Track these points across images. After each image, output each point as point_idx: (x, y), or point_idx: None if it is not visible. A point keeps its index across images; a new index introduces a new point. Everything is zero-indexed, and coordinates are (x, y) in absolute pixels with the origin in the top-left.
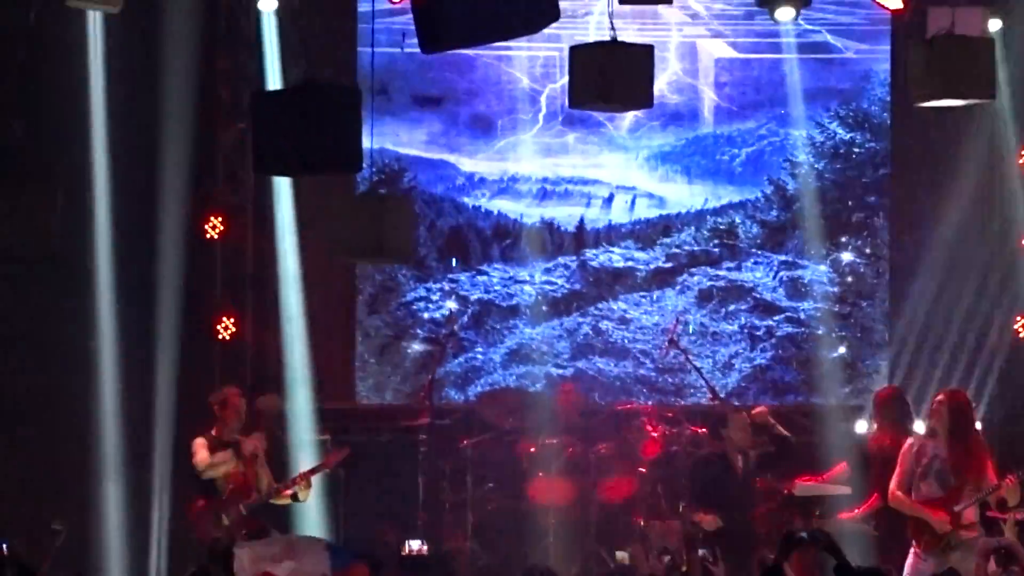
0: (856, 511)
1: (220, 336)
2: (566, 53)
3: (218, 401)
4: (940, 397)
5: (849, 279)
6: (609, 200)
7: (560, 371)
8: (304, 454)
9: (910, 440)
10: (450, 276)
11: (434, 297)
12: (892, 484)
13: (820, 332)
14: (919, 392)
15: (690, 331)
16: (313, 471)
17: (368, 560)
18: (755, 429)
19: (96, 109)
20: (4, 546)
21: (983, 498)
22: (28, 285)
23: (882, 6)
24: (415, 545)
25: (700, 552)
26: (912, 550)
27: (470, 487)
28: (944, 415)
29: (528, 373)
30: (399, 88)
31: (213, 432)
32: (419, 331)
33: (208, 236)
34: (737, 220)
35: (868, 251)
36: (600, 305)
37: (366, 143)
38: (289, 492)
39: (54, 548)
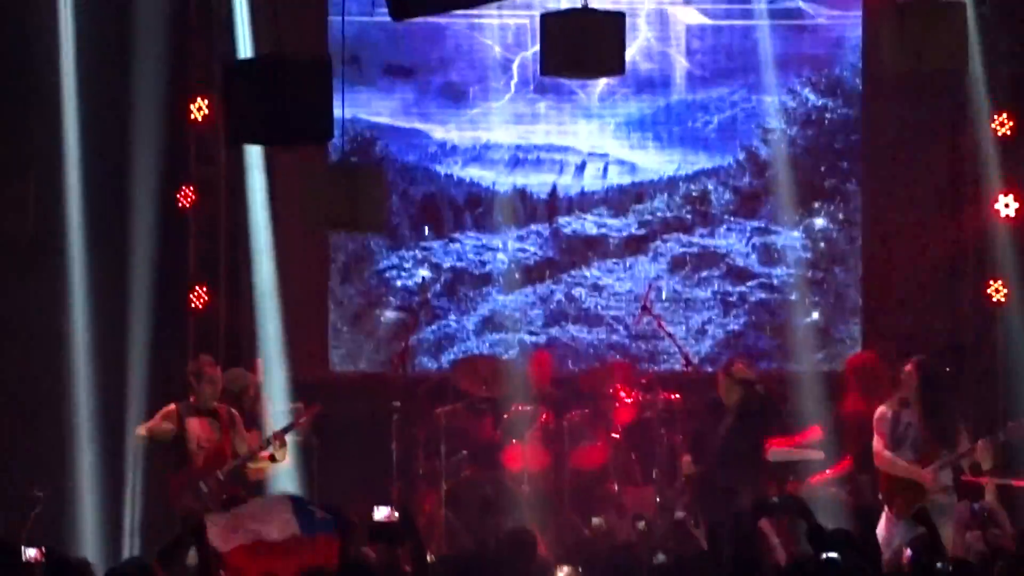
0: (827, 473)
1: (193, 307)
2: (537, 21)
3: (193, 372)
4: (908, 367)
5: (822, 245)
6: (581, 167)
7: (533, 338)
8: (278, 421)
9: (882, 408)
10: (423, 244)
11: (407, 265)
12: (877, 446)
13: (793, 298)
14: (893, 357)
15: (663, 298)
16: (286, 430)
17: (339, 527)
18: (733, 384)
19: (67, 86)
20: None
21: (955, 462)
22: (3, 264)
23: None
24: (384, 512)
25: (679, 515)
26: (884, 514)
27: (443, 455)
28: (913, 384)
29: (501, 340)
30: (370, 58)
31: (191, 399)
32: (392, 299)
33: (181, 207)
34: (710, 187)
35: (841, 217)
36: (573, 272)
37: (337, 113)
38: (266, 454)
39: (32, 515)
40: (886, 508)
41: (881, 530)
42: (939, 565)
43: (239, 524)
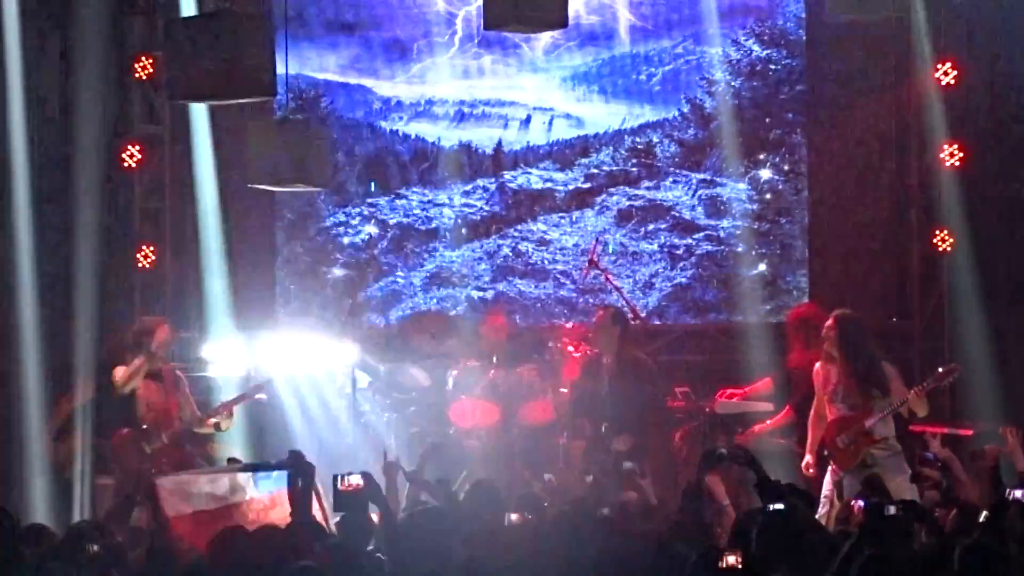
0: (768, 423)
1: (140, 266)
2: None
3: (145, 331)
4: (829, 322)
5: (768, 196)
6: (527, 121)
7: (480, 293)
8: (227, 384)
9: (816, 366)
10: (369, 201)
11: (353, 222)
12: (812, 411)
13: (740, 250)
14: (840, 307)
15: (610, 251)
16: (236, 401)
17: (291, 481)
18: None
19: (10, 41)
20: None
21: (892, 411)
22: None
23: None
24: (354, 480)
25: (627, 466)
26: (829, 468)
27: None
28: (835, 339)
29: (449, 296)
30: (313, 14)
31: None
32: (339, 256)
33: (126, 166)
34: (655, 139)
35: (786, 168)
36: (520, 227)
37: (281, 69)
38: (212, 422)
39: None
40: (831, 463)
41: (827, 483)
42: (891, 509)
43: (190, 487)
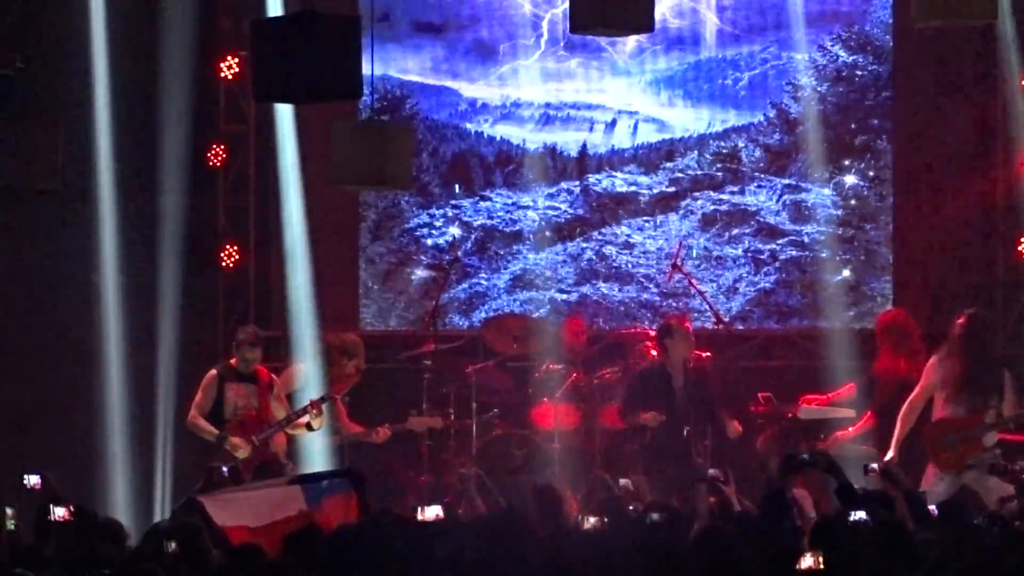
0: (850, 429)
1: (224, 265)
2: None
3: (247, 340)
4: (960, 320)
5: (853, 202)
6: (612, 125)
7: (564, 296)
8: (312, 384)
9: (933, 359)
10: (453, 202)
11: (437, 223)
12: (907, 404)
13: (824, 256)
14: (924, 314)
15: (694, 255)
16: (323, 399)
17: (352, 484)
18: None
19: (97, 40)
20: (41, 479)
21: (1008, 424)
22: (31, 219)
23: None
24: (432, 512)
25: (711, 472)
26: (929, 469)
27: (474, 413)
28: (961, 338)
29: (532, 299)
30: (400, 15)
31: (232, 362)
32: (423, 257)
33: (211, 165)
34: (740, 144)
35: (871, 174)
36: (604, 230)
37: (367, 70)
38: (303, 421)
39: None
40: (931, 464)
41: (927, 485)
42: (977, 520)
43: (236, 503)
